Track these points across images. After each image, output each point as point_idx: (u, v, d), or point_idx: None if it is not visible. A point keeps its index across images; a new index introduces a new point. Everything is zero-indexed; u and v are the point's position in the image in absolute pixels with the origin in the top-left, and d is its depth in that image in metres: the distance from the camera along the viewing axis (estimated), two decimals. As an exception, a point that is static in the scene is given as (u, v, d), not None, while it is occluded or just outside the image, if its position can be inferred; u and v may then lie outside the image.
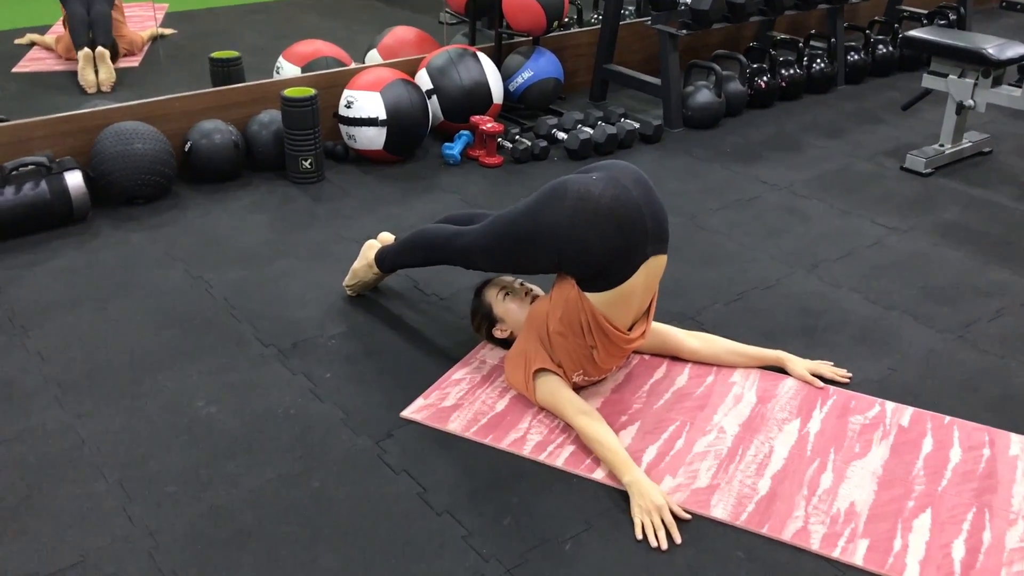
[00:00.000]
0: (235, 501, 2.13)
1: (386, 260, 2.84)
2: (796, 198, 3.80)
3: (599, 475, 2.21)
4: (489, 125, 4.03)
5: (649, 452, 2.29)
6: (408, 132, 3.99)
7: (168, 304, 2.95)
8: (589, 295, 2.29)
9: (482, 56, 4.32)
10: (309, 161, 3.83)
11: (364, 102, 3.92)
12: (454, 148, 4.10)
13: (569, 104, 4.84)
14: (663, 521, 2.03)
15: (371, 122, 3.91)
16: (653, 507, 2.05)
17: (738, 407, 2.46)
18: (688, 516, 2.07)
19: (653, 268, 2.34)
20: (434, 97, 4.22)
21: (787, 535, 2.04)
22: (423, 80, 4.25)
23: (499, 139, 4.18)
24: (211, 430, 2.37)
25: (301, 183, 3.86)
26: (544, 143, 4.15)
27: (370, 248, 2.91)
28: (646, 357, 2.67)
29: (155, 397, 2.49)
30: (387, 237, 2.98)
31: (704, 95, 4.54)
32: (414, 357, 2.69)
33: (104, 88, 5.06)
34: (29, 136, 3.62)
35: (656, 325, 2.66)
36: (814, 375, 2.59)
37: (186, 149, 3.79)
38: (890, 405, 2.48)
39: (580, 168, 2.46)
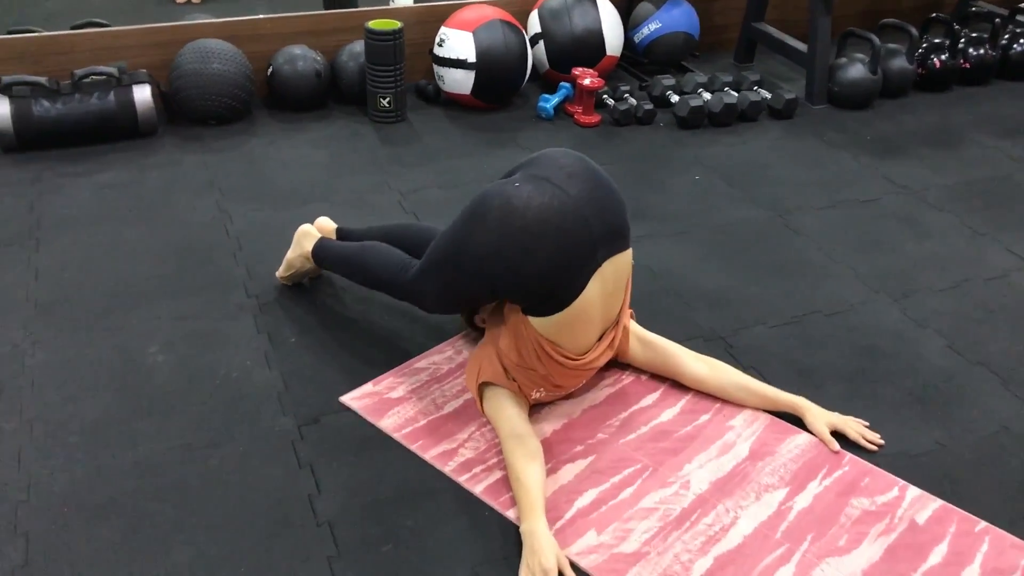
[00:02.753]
0: (124, 465, 1.99)
1: (325, 261, 2.46)
2: (923, 207, 3.19)
3: (514, 513, 1.90)
4: (588, 80, 3.64)
5: (585, 497, 1.94)
6: (499, 78, 3.68)
7: (181, 235, 2.86)
8: (534, 321, 1.95)
9: (601, 2, 3.90)
10: (388, 100, 3.61)
11: (455, 41, 3.64)
12: (550, 101, 3.75)
13: (707, 64, 4.33)
14: (546, 589, 1.71)
15: (460, 64, 3.64)
16: (539, 569, 1.72)
17: (720, 460, 2.05)
18: (579, 589, 1.74)
19: (611, 272, 1.97)
20: (541, 43, 3.87)
21: (697, 638, 1.67)
22: (533, 23, 3.90)
23: (602, 96, 3.78)
24: (147, 381, 2.24)
25: (379, 122, 3.65)
26: (650, 106, 3.71)
27: (305, 236, 2.50)
28: (643, 378, 2.29)
29: (114, 334, 2.40)
30: (326, 225, 2.60)
31: (857, 70, 3.91)
32: (391, 332, 2.44)
33: (194, 0, 5.16)
34: (122, 43, 3.62)
35: (660, 340, 2.27)
36: (835, 433, 2.12)
37: (268, 73, 3.67)
38: (913, 491, 1.99)
39: (510, 169, 2.09)
